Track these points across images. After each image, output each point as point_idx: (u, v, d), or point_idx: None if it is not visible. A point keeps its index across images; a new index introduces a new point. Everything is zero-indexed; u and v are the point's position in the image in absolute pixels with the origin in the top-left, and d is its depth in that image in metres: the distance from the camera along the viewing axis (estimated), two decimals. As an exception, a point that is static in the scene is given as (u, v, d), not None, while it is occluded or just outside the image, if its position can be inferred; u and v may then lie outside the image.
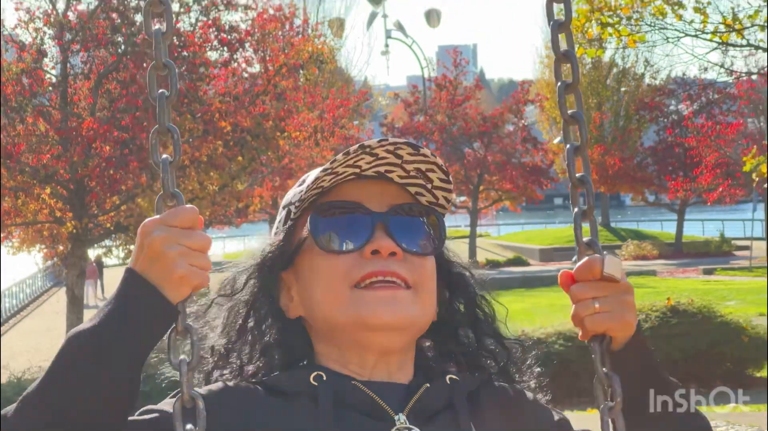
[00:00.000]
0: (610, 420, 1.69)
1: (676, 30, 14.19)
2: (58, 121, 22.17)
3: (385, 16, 60.75)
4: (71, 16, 22.71)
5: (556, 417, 1.96)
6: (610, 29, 13.16)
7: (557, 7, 1.90)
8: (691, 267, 37.28)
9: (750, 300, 24.78)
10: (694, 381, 14.71)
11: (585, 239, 1.76)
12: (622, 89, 49.03)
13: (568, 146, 1.82)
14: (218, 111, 22.23)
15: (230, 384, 1.88)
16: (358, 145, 1.84)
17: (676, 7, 13.28)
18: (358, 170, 1.87)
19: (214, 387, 1.88)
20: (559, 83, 1.84)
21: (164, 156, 1.73)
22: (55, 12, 22.92)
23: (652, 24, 14.25)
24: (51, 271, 41.78)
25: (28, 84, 21.99)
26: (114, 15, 22.99)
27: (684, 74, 45.79)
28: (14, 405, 1.67)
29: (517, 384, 2.00)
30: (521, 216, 77.07)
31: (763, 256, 37.34)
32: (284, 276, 1.95)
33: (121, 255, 24.84)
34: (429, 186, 1.91)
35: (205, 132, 21.82)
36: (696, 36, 14.49)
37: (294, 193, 1.96)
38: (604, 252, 1.71)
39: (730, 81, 36.51)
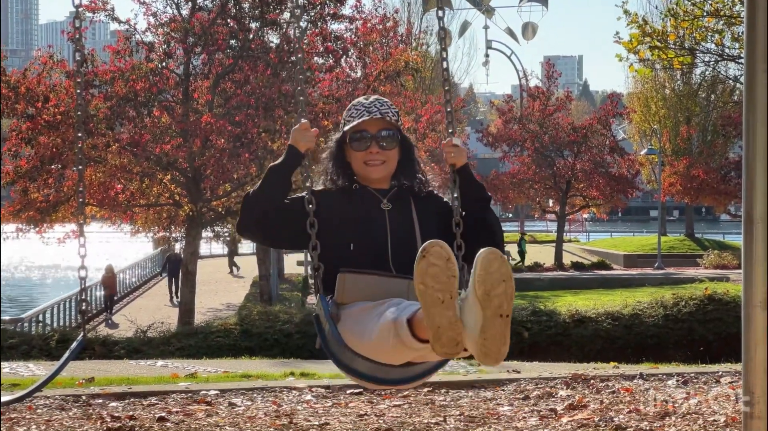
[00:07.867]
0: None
1: (710, 53, 16.09)
2: (179, 115, 24.34)
3: (486, 27, 62.59)
4: (194, 22, 24.83)
5: (443, 200, 4.76)
6: (658, 51, 15.23)
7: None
8: (768, 277, 38.30)
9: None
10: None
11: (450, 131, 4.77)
12: (711, 106, 50.10)
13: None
14: (321, 111, 24.10)
15: (321, 188, 4.69)
16: (365, 111, 4.67)
17: (715, 34, 15.32)
18: (367, 116, 4.68)
19: (315, 189, 4.65)
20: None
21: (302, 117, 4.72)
22: (180, 18, 25.18)
23: (699, 48, 16.23)
24: (164, 247, 43.43)
25: (155, 81, 24.24)
26: (231, 22, 25.19)
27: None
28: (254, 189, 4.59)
29: (428, 190, 4.76)
30: (615, 224, 77.86)
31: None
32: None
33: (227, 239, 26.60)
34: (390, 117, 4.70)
35: (309, 129, 23.50)
36: None
37: (345, 115, 4.70)
38: (455, 141, 4.61)
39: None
